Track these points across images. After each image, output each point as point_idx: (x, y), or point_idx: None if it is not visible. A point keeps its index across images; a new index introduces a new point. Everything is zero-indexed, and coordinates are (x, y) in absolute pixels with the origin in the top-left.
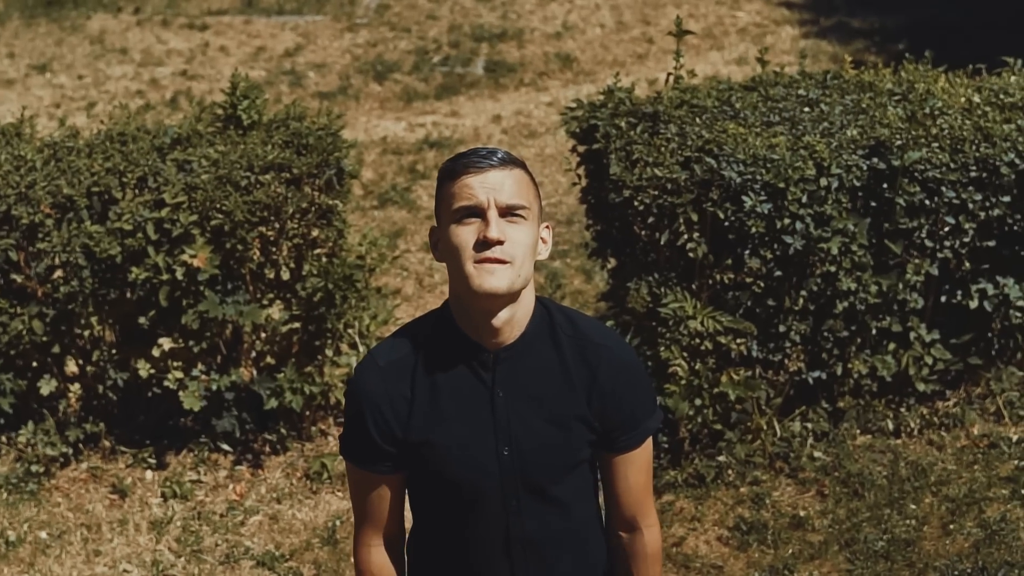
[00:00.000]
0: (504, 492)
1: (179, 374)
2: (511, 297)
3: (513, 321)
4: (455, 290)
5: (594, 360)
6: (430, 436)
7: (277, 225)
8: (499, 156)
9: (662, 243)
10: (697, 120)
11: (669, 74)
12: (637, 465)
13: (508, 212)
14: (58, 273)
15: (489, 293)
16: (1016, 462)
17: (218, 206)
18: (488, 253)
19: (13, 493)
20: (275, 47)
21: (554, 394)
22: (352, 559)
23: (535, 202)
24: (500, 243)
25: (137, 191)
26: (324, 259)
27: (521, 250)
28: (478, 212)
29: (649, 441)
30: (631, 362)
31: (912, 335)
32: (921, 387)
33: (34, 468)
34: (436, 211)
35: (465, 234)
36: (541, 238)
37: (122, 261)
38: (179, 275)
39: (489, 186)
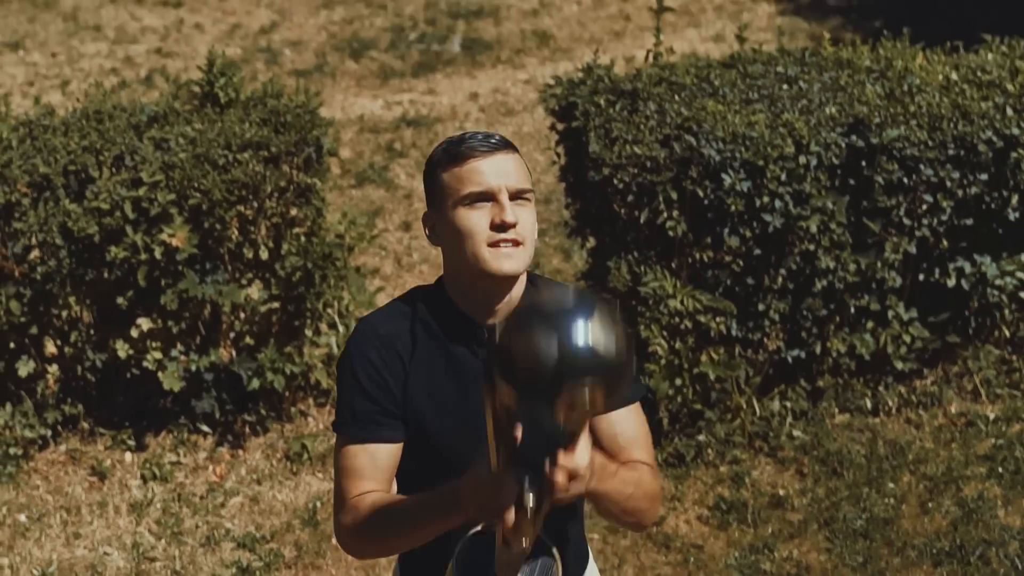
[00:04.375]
0: None
1: (158, 355)
2: (511, 278)
3: (511, 299)
4: (457, 271)
5: None
6: (426, 408)
7: (255, 204)
8: (498, 139)
9: (641, 221)
10: (676, 98)
11: (649, 51)
12: (623, 423)
13: (517, 196)
14: (35, 253)
15: (507, 275)
16: (993, 440)
17: (196, 185)
18: (505, 235)
19: None
20: (250, 24)
21: None
22: (336, 540)
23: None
24: (514, 226)
25: (114, 170)
26: (303, 238)
27: (530, 231)
28: (490, 196)
29: (636, 405)
30: None
31: (890, 314)
32: (899, 365)
33: (12, 450)
34: (432, 196)
35: (477, 217)
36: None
37: (100, 240)
38: (157, 254)
39: (498, 171)
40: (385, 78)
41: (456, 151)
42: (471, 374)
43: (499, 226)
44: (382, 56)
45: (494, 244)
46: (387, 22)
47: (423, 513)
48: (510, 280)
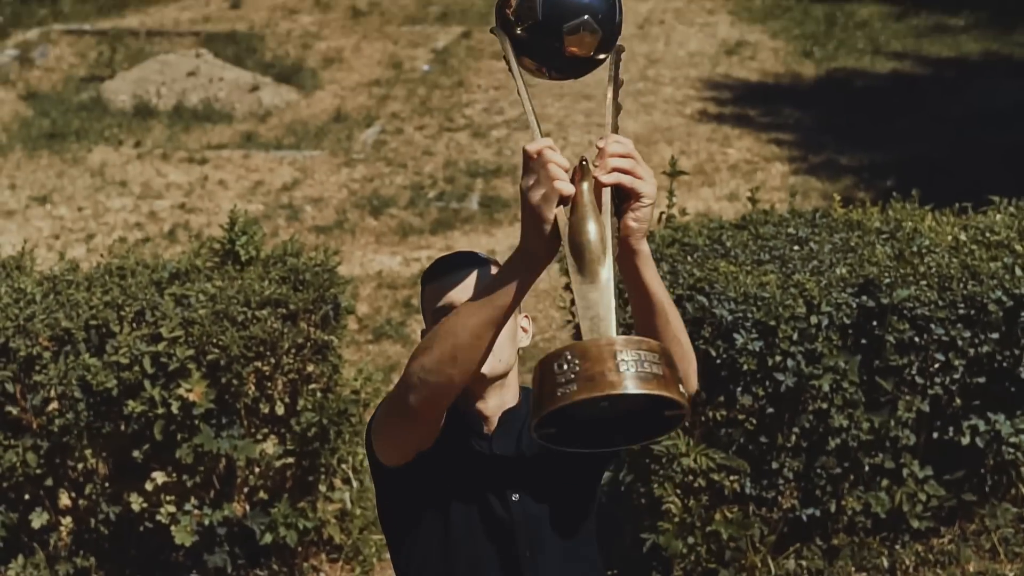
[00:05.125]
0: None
1: (172, 508)
2: (493, 380)
3: (502, 407)
4: None
5: None
6: (429, 480)
7: (273, 360)
8: (472, 256)
9: None
10: (688, 258)
11: (662, 213)
12: None
13: None
14: (53, 405)
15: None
16: None
17: (215, 341)
18: None
19: None
20: (273, 181)
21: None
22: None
23: None
24: None
25: (135, 325)
26: (319, 394)
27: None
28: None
29: None
30: None
31: (905, 471)
32: (915, 524)
33: None
34: (423, 313)
35: None
36: (521, 327)
37: (118, 394)
38: (174, 409)
39: (462, 285)
40: (404, 235)
41: (429, 272)
42: (471, 464)
43: None
44: (401, 213)
45: None
46: (407, 180)
47: (494, 283)
48: (480, 382)
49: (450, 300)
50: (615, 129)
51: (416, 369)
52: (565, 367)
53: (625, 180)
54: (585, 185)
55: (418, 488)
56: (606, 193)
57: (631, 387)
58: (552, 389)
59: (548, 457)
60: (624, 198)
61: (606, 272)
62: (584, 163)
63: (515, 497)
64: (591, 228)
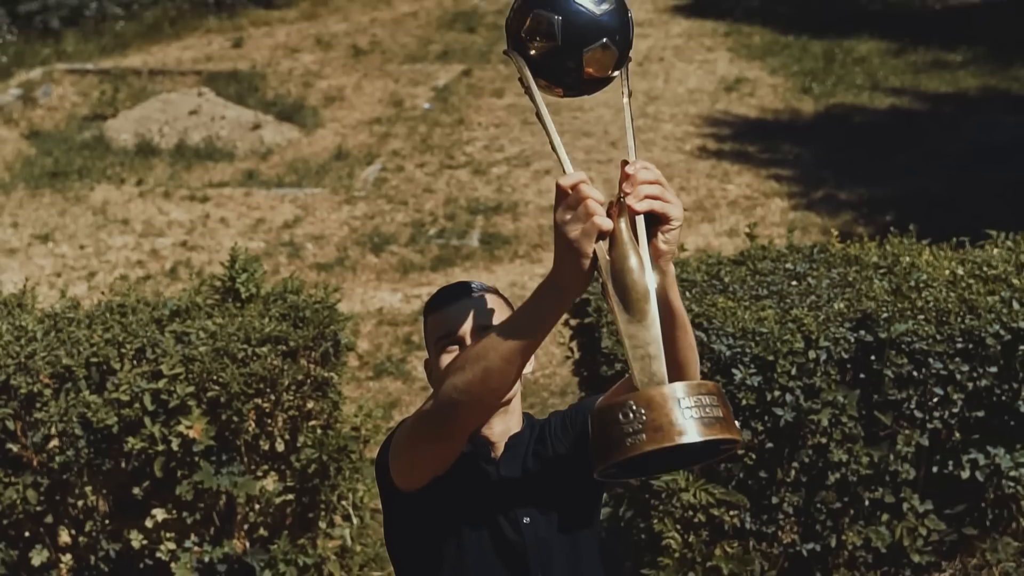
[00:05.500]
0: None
1: (172, 545)
2: (498, 407)
3: (507, 433)
4: None
5: (550, 423)
6: (442, 499)
7: (273, 397)
8: (472, 286)
9: None
10: (687, 294)
11: None
12: None
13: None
14: (54, 442)
15: None
16: None
17: (215, 378)
18: None
19: None
20: (274, 219)
21: (550, 467)
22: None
23: None
24: None
25: (135, 362)
26: (319, 431)
27: None
28: (457, 340)
29: None
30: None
31: (905, 506)
32: (916, 558)
33: None
34: (425, 344)
35: (447, 359)
36: None
37: (118, 431)
38: (174, 446)
39: (464, 313)
40: (405, 272)
41: (431, 302)
42: (481, 488)
43: None
44: (402, 250)
45: None
46: (407, 218)
47: (525, 311)
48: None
49: (452, 330)
50: (634, 141)
51: (449, 388)
52: (631, 416)
53: (657, 206)
54: (623, 222)
55: (430, 514)
56: (640, 223)
57: (698, 435)
58: (620, 438)
59: (553, 479)
60: (654, 222)
61: (652, 309)
62: (622, 199)
63: (526, 520)
64: (634, 265)
